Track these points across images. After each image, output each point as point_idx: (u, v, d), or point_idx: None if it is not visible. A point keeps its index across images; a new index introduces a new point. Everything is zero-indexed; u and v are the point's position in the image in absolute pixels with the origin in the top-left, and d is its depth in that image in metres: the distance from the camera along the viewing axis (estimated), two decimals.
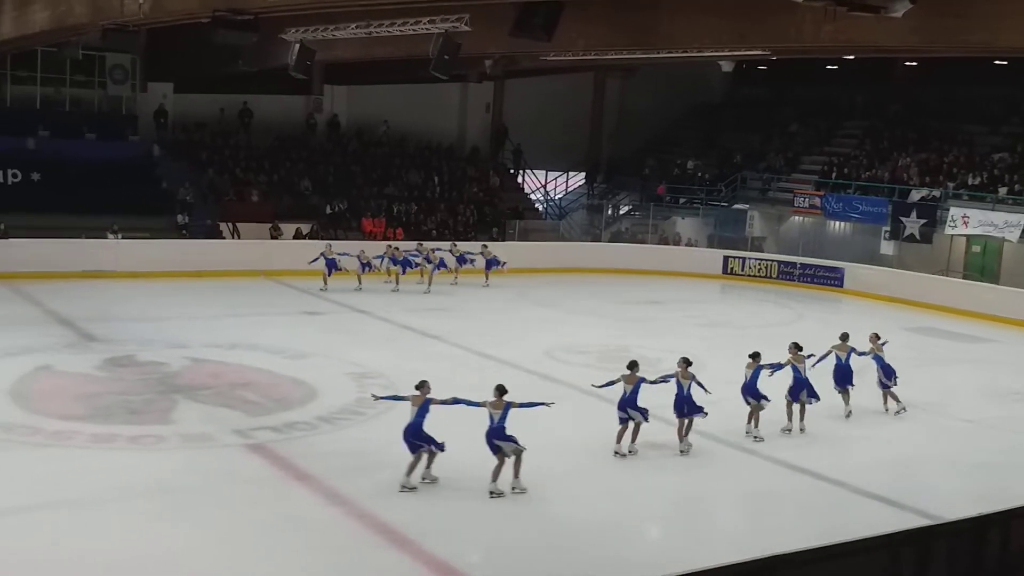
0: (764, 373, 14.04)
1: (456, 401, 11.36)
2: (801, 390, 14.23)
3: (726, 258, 30.95)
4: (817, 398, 14.36)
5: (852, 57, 28.38)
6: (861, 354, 15.39)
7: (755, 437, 13.86)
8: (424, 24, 16.92)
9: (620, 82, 38.99)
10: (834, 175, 32.62)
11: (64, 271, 22.97)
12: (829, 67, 34.50)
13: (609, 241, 33.86)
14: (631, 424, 12.88)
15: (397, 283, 24.99)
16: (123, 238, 25.54)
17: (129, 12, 16.02)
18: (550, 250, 31.47)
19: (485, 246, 26.98)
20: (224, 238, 28.50)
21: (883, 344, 15.70)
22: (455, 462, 11.85)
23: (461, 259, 26.19)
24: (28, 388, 14.36)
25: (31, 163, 27.88)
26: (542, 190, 38.90)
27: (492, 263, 26.47)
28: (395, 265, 25.19)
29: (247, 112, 32.90)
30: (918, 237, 28.72)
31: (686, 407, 13.12)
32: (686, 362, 13.36)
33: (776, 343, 15.42)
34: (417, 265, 25.30)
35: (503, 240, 32.14)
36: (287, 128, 33.71)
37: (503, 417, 11.07)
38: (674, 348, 19.53)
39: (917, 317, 25.12)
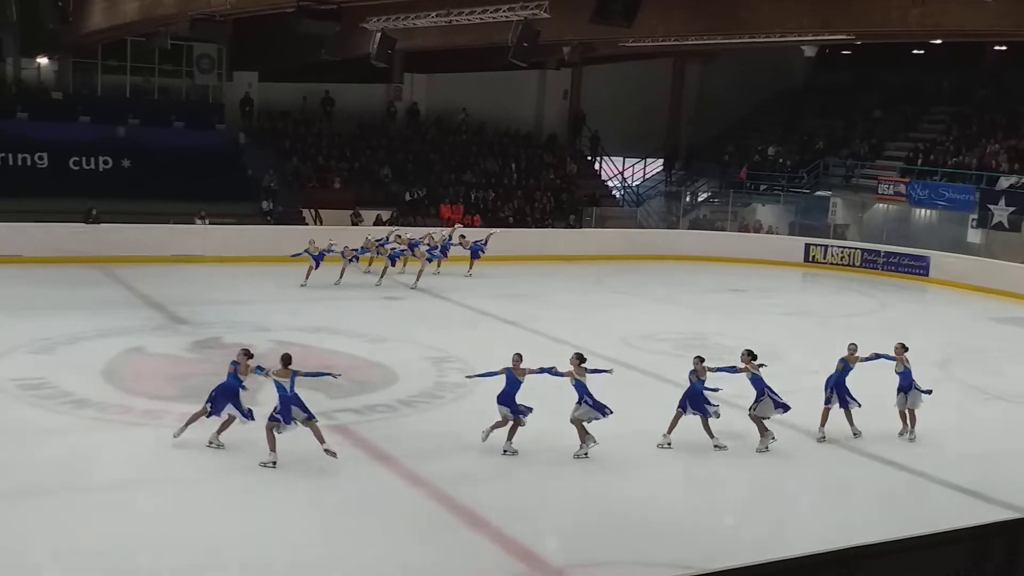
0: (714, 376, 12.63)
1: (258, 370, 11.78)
2: (777, 405, 12.63)
3: (808, 246, 30.50)
4: (785, 408, 12.66)
5: (939, 41, 27.65)
6: (877, 357, 13.36)
7: (668, 444, 12.50)
8: (503, 12, 17.01)
9: (699, 67, 38.58)
10: (920, 162, 31.84)
11: (154, 255, 23.68)
12: (915, 52, 33.65)
13: (687, 228, 33.60)
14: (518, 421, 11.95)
15: (381, 277, 23.20)
16: (210, 224, 26.20)
17: (216, 2, 16.46)
18: (627, 237, 31.39)
19: (463, 236, 25.34)
20: (306, 224, 29.04)
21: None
22: (533, 446, 11.97)
23: (443, 249, 24.52)
24: (120, 369, 14.86)
25: (121, 150, 28.71)
26: (619, 177, 38.75)
27: (477, 250, 24.89)
28: (382, 257, 23.60)
29: (329, 100, 33.41)
30: (1007, 225, 27.91)
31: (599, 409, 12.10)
32: (579, 358, 12.20)
33: (859, 333, 15.17)
34: (403, 253, 23.87)
35: (579, 227, 32.18)
36: (368, 116, 34.15)
37: (292, 385, 11.28)
38: (754, 337, 19.43)
39: (1005, 307, 24.46)
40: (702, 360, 12.79)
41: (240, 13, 18.33)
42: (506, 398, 11.94)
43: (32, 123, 28.44)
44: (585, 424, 12.00)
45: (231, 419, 11.60)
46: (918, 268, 28.35)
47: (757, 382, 12.69)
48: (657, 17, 18.27)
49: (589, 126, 37.35)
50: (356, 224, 29.25)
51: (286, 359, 11.50)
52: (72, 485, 10.47)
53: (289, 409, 11.24)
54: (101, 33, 23.97)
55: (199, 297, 20.55)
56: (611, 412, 12.02)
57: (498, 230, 26.39)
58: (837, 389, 13.16)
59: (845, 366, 13.23)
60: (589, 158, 37.68)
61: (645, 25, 17.44)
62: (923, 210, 31.10)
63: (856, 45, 30.25)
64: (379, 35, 19.65)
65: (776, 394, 12.67)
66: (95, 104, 30.12)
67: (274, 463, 11.12)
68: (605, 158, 38.08)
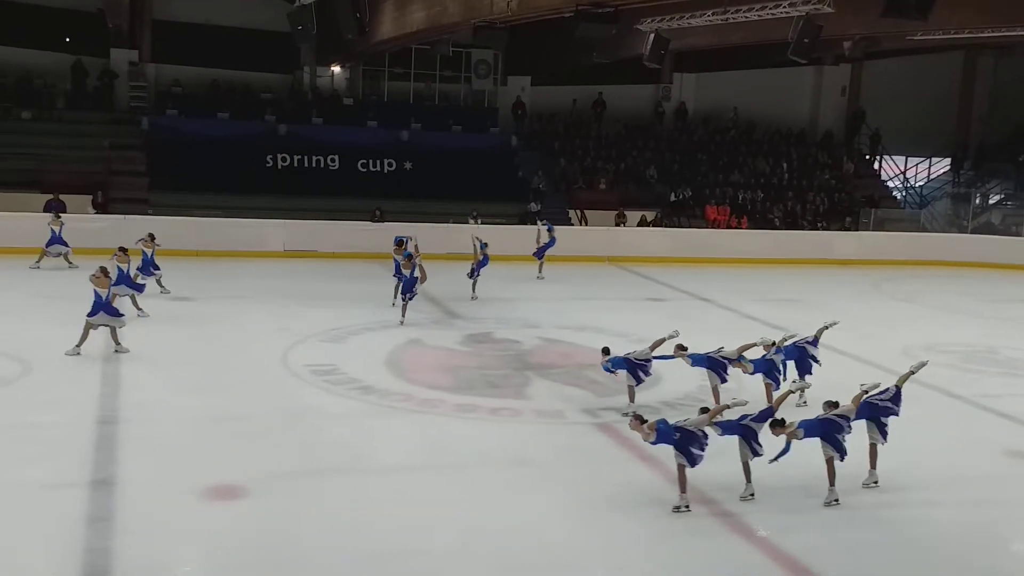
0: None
1: None
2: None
3: None
4: None
5: None
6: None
7: None
8: (784, 7, 16.51)
9: (993, 60, 35.80)
10: None
11: (432, 253, 24.82)
12: None
13: (977, 232, 31.27)
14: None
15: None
16: (482, 223, 27.20)
17: (498, 9, 17.06)
18: (909, 241, 29.64)
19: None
20: (572, 225, 29.55)
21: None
22: (805, 459, 11.53)
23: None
24: (401, 359, 15.72)
25: (404, 153, 30.49)
26: (901, 177, 36.66)
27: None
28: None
29: (600, 103, 33.80)
30: None
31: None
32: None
33: None
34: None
35: (856, 229, 30.75)
36: (635, 117, 34.27)
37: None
38: None
39: None
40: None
41: (520, 19, 18.91)
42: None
43: (325, 128, 30.76)
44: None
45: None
46: None
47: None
48: (951, 9, 17.06)
49: (869, 123, 35.57)
50: (620, 225, 29.42)
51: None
52: (353, 467, 11.10)
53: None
54: (390, 42, 25.53)
55: (472, 293, 21.39)
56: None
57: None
58: None
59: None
60: (868, 157, 35.91)
61: (938, 17, 16.35)
62: None
63: None
64: (653, 36, 19.65)
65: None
66: (382, 109, 32.13)
67: None
68: (885, 157, 36.16)
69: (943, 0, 15.61)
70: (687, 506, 10.08)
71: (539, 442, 12.22)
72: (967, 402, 14.48)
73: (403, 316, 17.80)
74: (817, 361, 13.77)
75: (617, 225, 29.58)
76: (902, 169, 36.75)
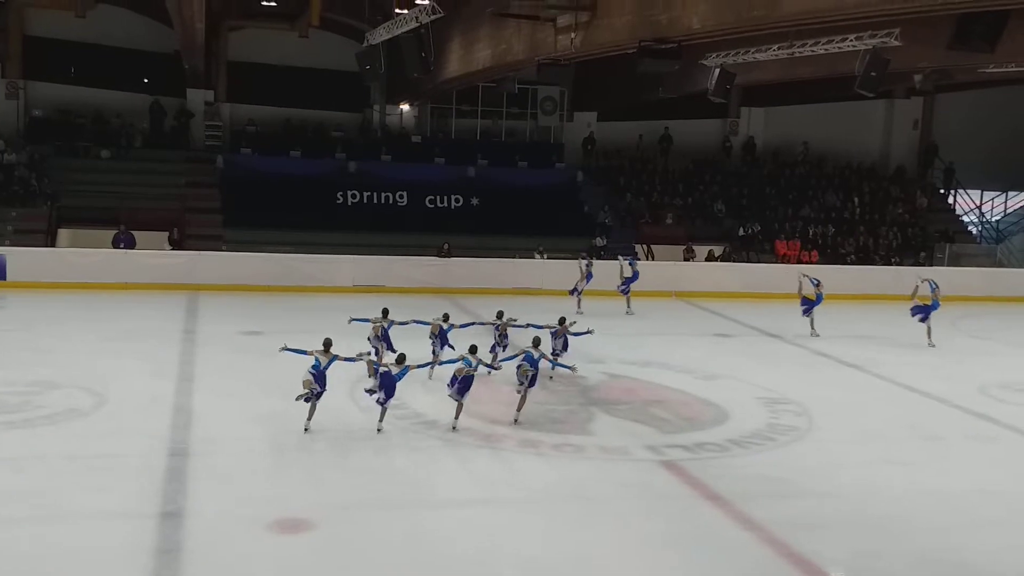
0: None
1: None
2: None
3: None
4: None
5: None
6: None
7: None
8: (851, 41, 16.36)
9: None
10: None
11: (497, 287, 24.99)
12: None
13: None
14: None
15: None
16: (547, 259, 27.26)
17: (562, 47, 17.21)
18: (986, 277, 28.92)
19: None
20: (638, 259, 29.39)
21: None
22: (869, 493, 11.26)
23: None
24: None
25: (471, 189, 30.77)
26: (977, 211, 35.85)
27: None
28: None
29: (667, 138, 33.76)
30: None
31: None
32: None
33: None
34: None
35: (931, 265, 30.07)
36: (703, 152, 34.14)
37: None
38: None
39: None
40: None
41: (584, 56, 19.03)
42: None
43: (394, 165, 31.24)
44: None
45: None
46: None
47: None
48: (1022, 41, 16.74)
49: (942, 157, 34.92)
50: (688, 260, 29.24)
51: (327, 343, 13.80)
52: (417, 501, 11.14)
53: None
54: (456, 80, 25.89)
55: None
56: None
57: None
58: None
59: None
60: (942, 191, 35.20)
61: (1008, 49, 16.06)
62: None
63: None
64: (718, 71, 19.63)
65: None
66: (449, 146, 32.53)
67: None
68: (960, 191, 35.41)
69: (1016, 31, 15.36)
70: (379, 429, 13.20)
71: (602, 478, 12.14)
72: None
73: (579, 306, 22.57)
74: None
75: (685, 260, 29.38)
76: (977, 203, 35.96)
